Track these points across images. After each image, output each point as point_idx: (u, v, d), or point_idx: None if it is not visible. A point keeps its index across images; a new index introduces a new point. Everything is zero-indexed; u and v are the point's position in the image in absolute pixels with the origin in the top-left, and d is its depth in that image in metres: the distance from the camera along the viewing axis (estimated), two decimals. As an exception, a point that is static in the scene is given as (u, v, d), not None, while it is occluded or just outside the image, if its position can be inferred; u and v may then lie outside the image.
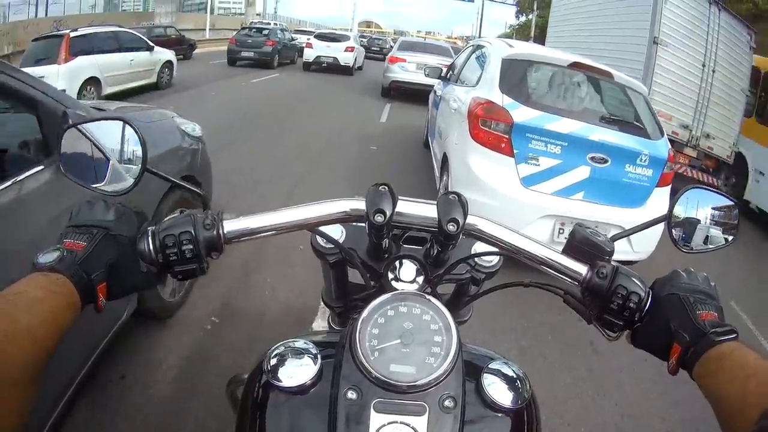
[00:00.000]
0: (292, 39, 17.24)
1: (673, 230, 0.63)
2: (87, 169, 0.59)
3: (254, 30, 15.34)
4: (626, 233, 0.65)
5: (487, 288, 0.71)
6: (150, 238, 0.55)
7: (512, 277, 0.68)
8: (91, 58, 7.81)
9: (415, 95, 9.30)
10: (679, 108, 5.46)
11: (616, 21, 6.18)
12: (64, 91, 6.40)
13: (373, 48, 25.90)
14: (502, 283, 0.68)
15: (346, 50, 14.06)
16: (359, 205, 0.58)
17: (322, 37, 14.71)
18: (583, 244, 0.59)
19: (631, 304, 0.55)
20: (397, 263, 0.65)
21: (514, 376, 0.56)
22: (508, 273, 0.69)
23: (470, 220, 0.58)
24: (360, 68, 15.71)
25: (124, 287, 0.54)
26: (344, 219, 0.60)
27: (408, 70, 9.70)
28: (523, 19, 35.55)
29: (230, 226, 0.57)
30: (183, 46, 16.09)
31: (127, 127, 0.58)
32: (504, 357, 0.60)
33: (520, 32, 34.83)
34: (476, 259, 0.68)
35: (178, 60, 10.91)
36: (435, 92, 4.99)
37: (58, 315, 0.45)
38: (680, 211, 0.63)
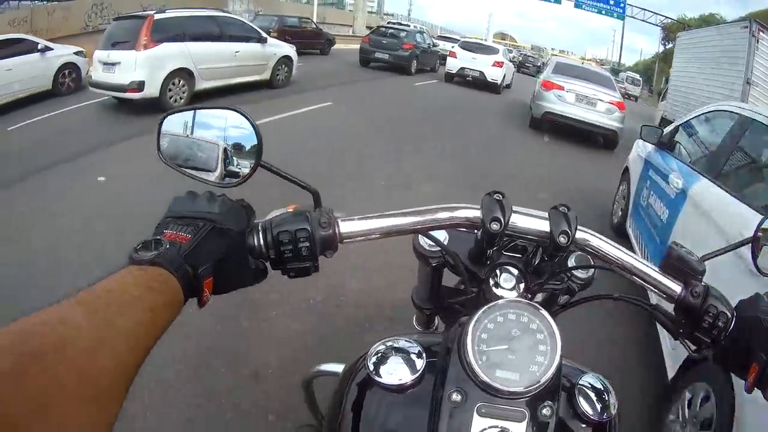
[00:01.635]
0: (434, 45, 16.51)
1: (757, 253, 0.67)
2: (190, 159, 0.59)
3: (390, 30, 14.68)
4: (716, 253, 0.67)
5: (578, 299, 0.75)
6: (261, 233, 0.57)
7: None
8: (181, 45, 6.86)
9: (572, 133, 8.44)
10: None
11: (714, 64, 9.16)
12: (143, 82, 6.33)
13: (526, 64, 25.19)
14: (593, 294, 0.73)
15: (494, 65, 13.05)
16: (474, 213, 0.62)
17: (468, 46, 13.77)
18: (678, 262, 0.63)
19: (720, 324, 0.59)
20: (497, 270, 0.69)
21: (603, 389, 0.60)
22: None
23: (579, 234, 0.62)
24: (508, 86, 14.63)
25: (231, 283, 0.55)
26: (458, 225, 0.63)
27: (566, 101, 8.34)
28: (670, 46, 31.73)
29: (346, 226, 0.60)
30: (320, 41, 15.66)
31: (240, 117, 0.58)
32: (594, 371, 0.64)
33: (665, 60, 31.35)
34: (573, 270, 0.74)
35: (313, 55, 10.67)
36: (650, 162, 3.67)
37: (157, 316, 0.43)
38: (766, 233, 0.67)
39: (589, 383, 0.60)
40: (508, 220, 0.59)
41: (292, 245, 0.56)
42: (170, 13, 6.94)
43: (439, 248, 0.71)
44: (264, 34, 8.58)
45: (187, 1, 8.72)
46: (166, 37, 6.62)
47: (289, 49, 9.18)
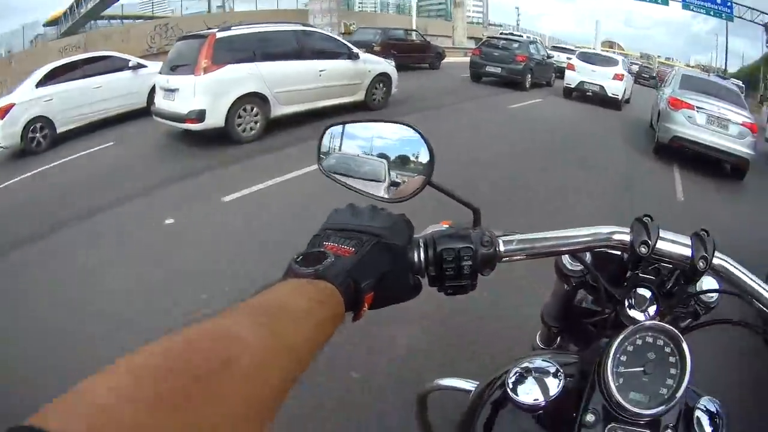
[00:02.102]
0: (548, 56, 15.47)
1: None
2: (353, 172, 0.60)
3: (502, 41, 13.51)
4: None
5: (701, 321, 0.74)
6: (422, 249, 0.57)
7: None
8: (251, 66, 5.96)
9: (699, 160, 7.05)
10: None
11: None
12: (203, 111, 5.48)
13: (643, 75, 23.55)
14: (714, 319, 0.72)
15: (615, 78, 11.81)
16: (624, 236, 0.62)
17: (586, 58, 12.70)
18: None
19: None
20: (631, 292, 0.69)
21: (716, 412, 0.60)
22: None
23: (716, 260, 0.61)
24: (628, 101, 13.03)
25: (389, 297, 0.54)
26: (608, 246, 0.65)
27: (698, 123, 7.01)
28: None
29: (505, 245, 0.61)
30: (429, 54, 14.90)
31: (410, 130, 0.58)
32: (709, 394, 0.63)
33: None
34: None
35: (422, 69, 10.16)
36: None
37: (322, 330, 0.42)
38: None
39: (705, 407, 0.61)
40: (655, 243, 0.60)
41: (455, 263, 0.56)
42: (237, 30, 6.04)
43: (580, 269, 0.73)
44: (355, 50, 7.50)
45: (267, 18, 8.10)
46: (232, 58, 5.77)
47: (386, 65, 8.13)
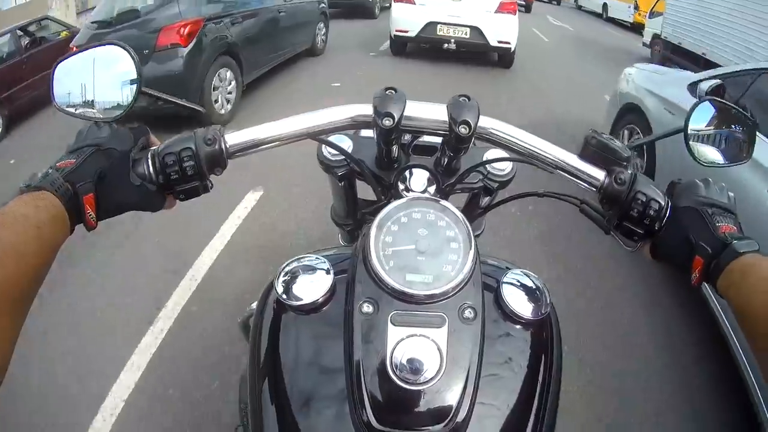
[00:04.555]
0: None
1: (689, 141, 0.64)
2: (81, 98, 0.61)
3: None
4: (644, 140, 0.68)
5: (500, 198, 0.72)
6: (150, 159, 0.57)
7: (525, 188, 0.69)
8: None
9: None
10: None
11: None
12: None
13: None
14: (516, 193, 0.69)
15: (500, 9, 6.50)
16: (366, 109, 0.59)
17: None
18: (599, 149, 0.59)
19: (651, 212, 0.56)
20: (407, 173, 0.66)
21: (534, 286, 0.58)
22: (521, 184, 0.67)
23: (482, 122, 0.58)
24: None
25: (116, 203, 0.55)
26: (351, 126, 0.61)
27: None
28: None
29: (232, 139, 0.59)
30: None
31: (120, 50, 0.60)
32: (522, 267, 0.60)
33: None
34: (489, 167, 0.69)
35: None
36: None
37: (45, 230, 0.46)
38: (697, 123, 0.64)
39: (517, 280, 0.57)
40: (402, 114, 0.56)
41: (177, 166, 0.55)
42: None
43: (343, 157, 0.68)
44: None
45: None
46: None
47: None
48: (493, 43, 6.50)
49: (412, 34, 6.64)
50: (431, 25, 6.49)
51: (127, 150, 0.56)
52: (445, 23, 6.45)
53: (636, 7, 13.47)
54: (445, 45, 6.54)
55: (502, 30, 6.49)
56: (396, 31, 6.76)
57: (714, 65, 7.12)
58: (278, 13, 5.65)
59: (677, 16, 8.61)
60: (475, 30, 6.44)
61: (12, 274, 0.40)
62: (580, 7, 19.00)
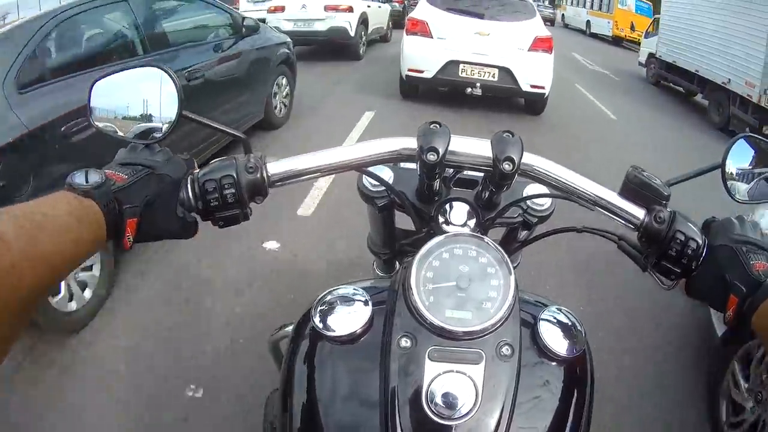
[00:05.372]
0: None
1: (727, 178, 0.63)
2: (119, 118, 0.61)
3: None
4: (683, 178, 0.64)
5: (538, 233, 0.72)
6: (190, 184, 0.56)
7: (564, 223, 0.69)
8: None
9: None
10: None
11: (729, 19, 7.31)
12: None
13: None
14: (555, 228, 0.70)
15: (535, 46, 5.34)
16: (410, 143, 0.58)
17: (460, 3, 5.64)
18: (639, 186, 0.59)
19: (689, 251, 0.56)
20: (447, 206, 0.66)
21: (570, 323, 0.57)
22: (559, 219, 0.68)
23: (525, 158, 0.58)
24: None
25: (156, 230, 0.55)
26: (394, 158, 0.61)
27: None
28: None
29: (274, 168, 0.58)
30: None
31: (162, 73, 0.59)
32: (558, 304, 0.61)
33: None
34: (529, 202, 0.70)
35: None
36: None
37: (80, 246, 0.45)
38: (735, 159, 0.63)
39: (554, 317, 0.57)
40: (447, 148, 0.56)
41: (218, 193, 0.55)
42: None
43: (384, 188, 0.68)
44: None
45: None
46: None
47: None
48: (525, 87, 5.27)
49: (429, 75, 5.34)
50: (452, 65, 5.25)
51: (179, 180, 0.56)
52: (469, 62, 5.22)
53: (614, 23, 16.08)
54: (469, 89, 5.27)
55: (536, 72, 5.29)
56: (409, 71, 5.43)
57: (707, 81, 7.74)
58: (207, 72, 3.34)
59: (671, 35, 9.10)
60: (505, 71, 5.22)
61: (38, 282, 0.40)
62: (566, 26, 21.31)
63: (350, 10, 8.00)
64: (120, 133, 0.60)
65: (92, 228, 0.47)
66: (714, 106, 7.68)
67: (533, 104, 5.78)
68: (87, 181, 0.48)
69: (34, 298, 0.40)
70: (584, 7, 18.89)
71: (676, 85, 9.40)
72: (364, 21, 8.49)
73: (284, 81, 4.73)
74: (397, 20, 10.86)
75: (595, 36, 17.69)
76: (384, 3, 8.07)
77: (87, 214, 0.46)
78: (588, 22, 18.45)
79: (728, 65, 7.22)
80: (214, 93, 3.48)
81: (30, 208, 0.42)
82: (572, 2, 20.17)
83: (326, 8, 7.82)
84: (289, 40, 4.86)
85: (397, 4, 12.98)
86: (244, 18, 4.05)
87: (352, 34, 8.06)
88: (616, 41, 16.73)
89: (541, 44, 5.27)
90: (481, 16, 5.34)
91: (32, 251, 0.39)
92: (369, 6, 8.84)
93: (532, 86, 5.30)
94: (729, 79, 7.12)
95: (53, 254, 0.41)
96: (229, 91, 3.71)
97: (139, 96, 0.60)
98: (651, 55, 10.11)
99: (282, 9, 7.89)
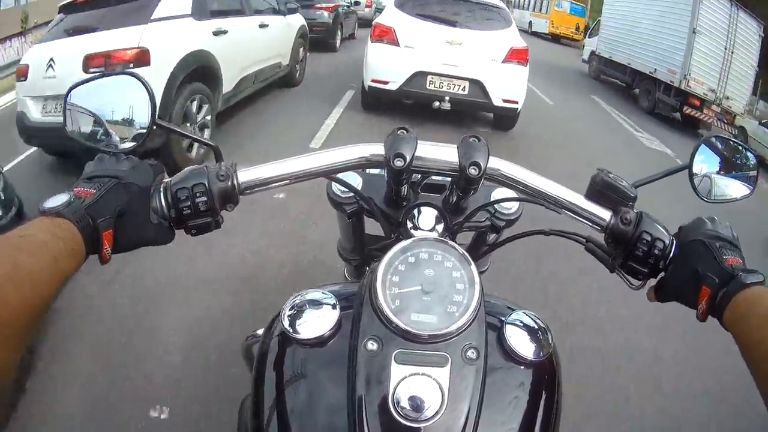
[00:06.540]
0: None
1: (694, 179, 0.65)
2: (94, 128, 0.59)
3: None
4: (649, 179, 0.65)
5: (506, 237, 0.73)
6: (162, 192, 0.56)
7: (532, 226, 0.69)
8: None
9: None
10: (708, 77, 8.23)
11: (659, 17, 8.84)
12: None
13: None
14: (522, 231, 0.69)
15: (508, 58, 4.89)
16: (378, 149, 0.59)
17: (429, 8, 5.13)
18: (605, 188, 0.60)
19: (656, 251, 0.57)
20: (415, 211, 0.66)
21: (536, 327, 0.58)
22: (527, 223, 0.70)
23: (492, 163, 0.58)
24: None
25: (133, 239, 0.55)
26: (363, 165, 0.61)
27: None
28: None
29: (245, 176, 0.59)
30: None
31: (135, 80, 0.58)
32: (525, 308, 0.61)
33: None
34: (496, 206, 0.70)
35: None
36: None
37: (61, 261, 0.46)
38: (701, 160, 0.65)
39: (520, 321, 0.57)
40: (414, 154, 0.57)
41: (190, 201, 0.55)
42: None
43: (351, 195, 0.69)
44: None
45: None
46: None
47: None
48: (497, 102, 4.84)
49: (393, 86, 4.83)
50: (420, 76, 4.77)
51: (147, 186, 0.55)
52: (438, 74, 4.76)
53: (550, 22, 18.95)
54: (437, 103, 4.83)
55: (509, 85, 4.86)
56: (372, 81, 4.90)
57: (637, 72, 9.34)
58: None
59: (609, 34, 10.68)
60: (476, 84, 4.79)
61: (26, 300, 0.40)
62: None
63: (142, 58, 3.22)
64: (93, 143, 0.58)
65: (69, 245, 0.47)
66: (644, 93, 9.18)
67: (503, 120, 5.31)
68: (57, 203, 0.49)
69: (25, 319, 0.40)
70: (527, 9, 21.56)
71: (613, 78, 10.81)
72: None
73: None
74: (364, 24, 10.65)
75: (536, 34, 19.55)
76: (289, 13, 5.66)
77: (62, 231, 0.47)
78: (530, 22, 20.61)
79: (655, 57, 8.68)
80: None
81: (6, 233, 0.44)
82: (518, 5, 22.38)
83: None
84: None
85: (367, 9, 13.33)
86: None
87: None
88: (555, 38, 19.24)
89: (516, 56, 4.84)
90: (453, 24, 4.88)
91: (14, 272, 0.40)
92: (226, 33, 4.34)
93: (505, 100, 4.87)
94: (655, 69, 8.64)
95: (35, 273, 0.42)
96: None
97: (113, 104, 0.59)
98: (592, 53, 11.66)
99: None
